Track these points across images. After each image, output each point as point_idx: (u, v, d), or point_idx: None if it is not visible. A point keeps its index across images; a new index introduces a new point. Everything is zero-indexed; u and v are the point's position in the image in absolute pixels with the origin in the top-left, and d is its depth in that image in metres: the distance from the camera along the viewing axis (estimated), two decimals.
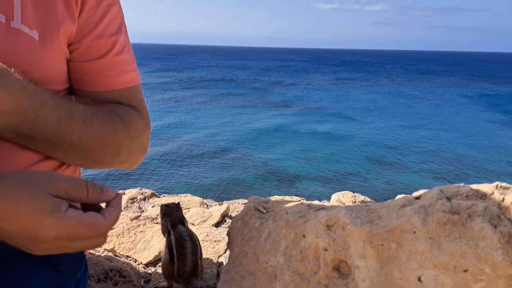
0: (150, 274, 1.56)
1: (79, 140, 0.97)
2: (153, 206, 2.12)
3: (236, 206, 2.13)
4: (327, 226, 0.93)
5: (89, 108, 1.01)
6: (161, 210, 1.54)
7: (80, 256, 1.15)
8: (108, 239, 1.78)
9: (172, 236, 1.41)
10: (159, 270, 1.59)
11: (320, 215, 0.95)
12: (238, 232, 1.15)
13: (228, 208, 2.04)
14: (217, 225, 1.94)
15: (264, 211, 1.14)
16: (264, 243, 1.04)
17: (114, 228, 1.86)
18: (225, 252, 1.69)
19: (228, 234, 1.21)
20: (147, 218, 1.97)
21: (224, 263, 1.61)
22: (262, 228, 1.08)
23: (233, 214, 2.03)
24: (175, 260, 1.37)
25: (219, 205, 2.15)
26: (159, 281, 1.49)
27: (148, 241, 1.75)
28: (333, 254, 0.92)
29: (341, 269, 0.94)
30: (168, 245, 1.40)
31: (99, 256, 1.58)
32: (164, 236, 1.52)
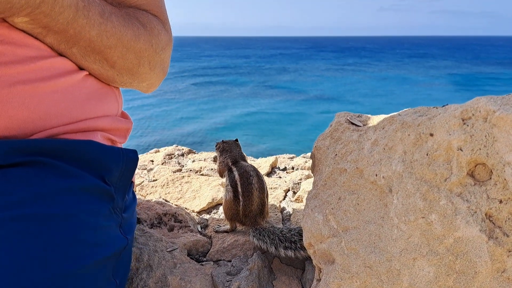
0: (207, 219, 1.40)
1: (98, 36, 0.86)
2: (193, 161, 1.96)
3: (282, 160, 1.97)
4: (463, 120, 0.76)
5: (107, 4, 0.89)
6: (217, 148, 1.38)
7: (129, 175, 1.01)
8: (152, 189, 1.62)
9: (236, 172, 1.25)
10: (215, 216, 1.43)
11: (452, 108, 0.78)
12: (328, 150, 0.99)
13: (276, 159, 1.88)
14: (268, 175, 1.78)
15: (360, 124, 0.98)
16: (370, 154, 0.87)
17: (156, 180, 1.70)
18: (284, 198, 1.53)
19: (313, 156, 1.04)
20: (190, 170, 1.81)
21: (286, 208, 1.45)
22: (362, 140, 0.92)
23: (281, 167, 1.86)
24: (240, 197, 1.21)
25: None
26: (219, 225, 1.34)
27: (196, 191, 1.59)
28: (470, 154, 0.75)
29: (476, 175, 0.77)
30: (232, 182, 1.24)
31: (150, 201, 1.42)
32: (221, 176, 1.36)
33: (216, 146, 1.39)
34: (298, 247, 1.10)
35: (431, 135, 0.78)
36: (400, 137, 0.82)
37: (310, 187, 1.46)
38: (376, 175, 0.85)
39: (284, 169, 1.82)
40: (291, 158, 1.98)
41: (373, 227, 0.85)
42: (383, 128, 0.87)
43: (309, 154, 2.02)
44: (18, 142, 0.79)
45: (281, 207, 1.46)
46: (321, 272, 0.98)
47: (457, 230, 0.76)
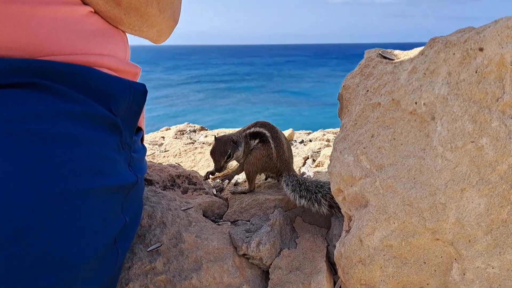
0: (222, 183, 1.32)
1: None
2: (205, 136, 1.88)
3: (299, 135, 1.89)
4: None
5: None
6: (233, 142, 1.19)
7: (137, 109, 0.93)
8: (164, 159, 1.55)
9: (263, 128, 1.18)
10: (231, 182, 1.35)
11: (504, 19, 0.70)
12: (358, 88, 0.91)
13: (292, 132, 1.80)
14: None
15: (394, 57, 0.90)
16: (407, 83, 0.79)
17: (168, 151, 1.63)
18: (304, 165, 1.45)
19: (340, 97, 0.96)
20: (204, 143, 1.74)
21: (307, 173, 1.37)
22: (397, 71, 0.83)
23: (298, 140, 1.78)
24: (271, 140, 1.15)
25: None
26: (236, 188, 1.26)
27: (210, 160, 1.51)
28: None
29: None
30: (259, 134, 1.17)
31: (162, 163, 1.35)
32: (243, 155, 1.24)
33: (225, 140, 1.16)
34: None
35: (481, 49, 0.70)
36: (443, 58, 0.74)
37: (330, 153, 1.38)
38: (416, 103, 0.77)
39: (302, 142, 1.74)
40: (308, 133, 1.90)
41: (412, 161, 0.77)
42: (422, 54, 0.79)
43: (328, 129, 1.94)
44: (17, 61, 0.73)
45: (301, 172, 1.37)
46: (351, 220, 0.89)
47: (511, 154, 0.67)
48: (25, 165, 0.59)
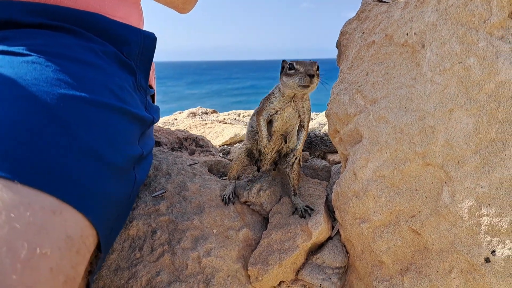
0: (229, 147, 1.35)
1: None
2: (217, 117, 1.93)
3: (313, 116, 1.91)
4: None
5: None
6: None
7: (149, 55, 0.97)
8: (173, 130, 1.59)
9: None
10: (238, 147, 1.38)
11: None
12: (354, 32, 0.93)
13: None
14: None
15: (389, 1, 0.92)
16: (400, 18, 0.82)
17: (178, 126, 1.68)
18: None
19: (338, 44, 0.99)
20: (214, 121, 1.78)
21: None
22: (391, 10, 0.86)
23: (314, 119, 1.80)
24: None
25: None
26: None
27: (219, 132, 1.55)
28: None
29: None
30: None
31: (169, 128, 1.40)
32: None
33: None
34: None
35: None
36: None
37: None
38: (407, 34, 0.79)
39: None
40: (317, 114, 1.92)
41: (404, 91, 0.78)
42: None
43: None
44: (36, 4, 0.79)
45: None
46: (347, 160, 0.91)
47: (499, 73, 0.68)
48: (55, 75, 0.65)
